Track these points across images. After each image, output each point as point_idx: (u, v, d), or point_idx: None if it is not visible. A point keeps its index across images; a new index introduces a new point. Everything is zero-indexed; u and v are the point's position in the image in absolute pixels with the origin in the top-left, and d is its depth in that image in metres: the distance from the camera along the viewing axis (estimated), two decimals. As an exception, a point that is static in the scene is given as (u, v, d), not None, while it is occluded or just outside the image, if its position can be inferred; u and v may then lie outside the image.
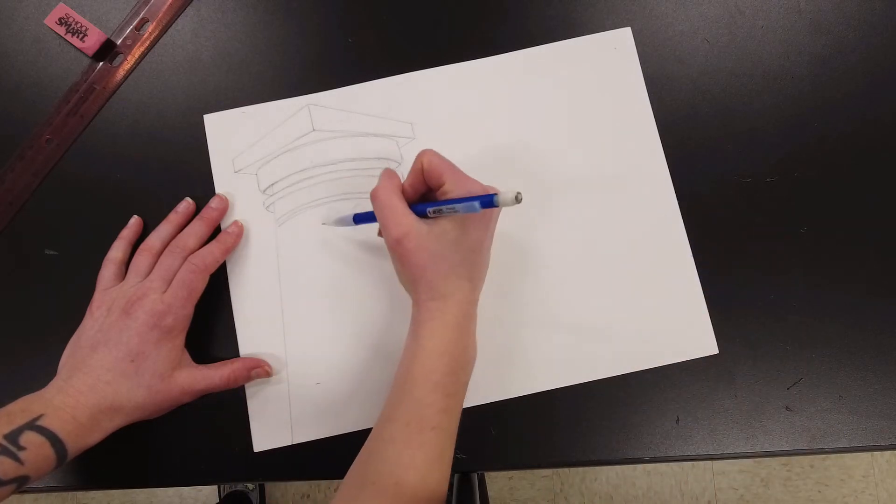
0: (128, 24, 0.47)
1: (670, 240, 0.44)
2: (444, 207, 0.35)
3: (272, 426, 0.42)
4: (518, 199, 0.32)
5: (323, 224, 0.44)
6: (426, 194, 0.39)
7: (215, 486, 1.13)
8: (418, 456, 0.34)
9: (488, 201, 0.33)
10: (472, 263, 0.37)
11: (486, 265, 0.39)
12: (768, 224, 0.44)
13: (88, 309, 0.40)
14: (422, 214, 0.36)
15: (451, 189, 0.36)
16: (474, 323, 0.38)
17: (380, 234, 0.42)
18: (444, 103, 0.46)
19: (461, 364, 0.37)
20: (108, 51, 0.46)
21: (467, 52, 0.46)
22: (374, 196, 0.37)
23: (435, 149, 0.37)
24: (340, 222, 0.43)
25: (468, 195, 0.35)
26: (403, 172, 0.44)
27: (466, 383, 0.38)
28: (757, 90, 0.46)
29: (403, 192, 0.38)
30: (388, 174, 0.38)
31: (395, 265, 0.39)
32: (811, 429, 0.42)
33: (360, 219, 0.41)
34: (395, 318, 0.43)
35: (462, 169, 0.37)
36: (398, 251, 0.36)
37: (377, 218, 0.37)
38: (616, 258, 0.44)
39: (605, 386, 0.42)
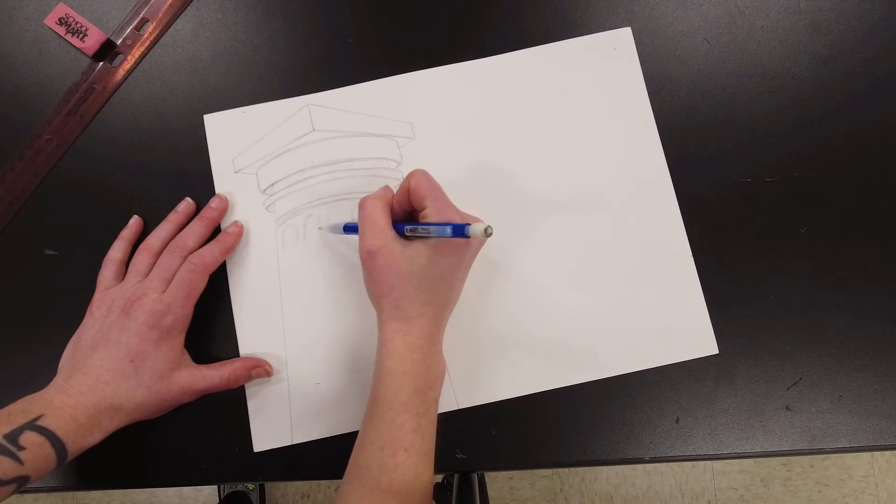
0: (128, 24, 0.47)
1: (670, 240, 0.44)
2: (419, 228, 0.36)
3: (272, 426, 0.42)
4: (488, 233, 0.33)
5: (319, 228, 0.44)
6: (413, 213, 0.39)
7: (215, 486, 1.13)
8: (395, 479, 0.34)
9: (459, 230, 0.34)
10: (438, 290, 0.37)
11: (455, 295, 0.39)
12: (768, 224, 0.44)
13: (88, 309, 0.40)
14: (401, 233, 0.37)
15: (430, 214, 0.36)
16: (438, 344, 0.38)
17: None
18: (444, 103, 0.46)
19: (427, 383, 0.37)
20: (108, 51, 0.46)
21: (467, 52, 0.46)
22: (361, 203, 0.38)
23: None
24: (333, 229, 0.43)
25: (444, 221, 0.36)
26: (403, 172, 0.44)
27: (436, 400, 0.38)
28: (757, 90, 0.46)
29: (391, 208, 0.38)
30: (385, 188, 0.39)
31: (364, 277, 0.39)
32: (811, 429, 0.42)
33: (349, 229, 0.42)
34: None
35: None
36: (368, 264, 0.37)
37: (358, 225, 0.38)
38: (616, 258, 0.44)
39: (605, 386, 0.42)
